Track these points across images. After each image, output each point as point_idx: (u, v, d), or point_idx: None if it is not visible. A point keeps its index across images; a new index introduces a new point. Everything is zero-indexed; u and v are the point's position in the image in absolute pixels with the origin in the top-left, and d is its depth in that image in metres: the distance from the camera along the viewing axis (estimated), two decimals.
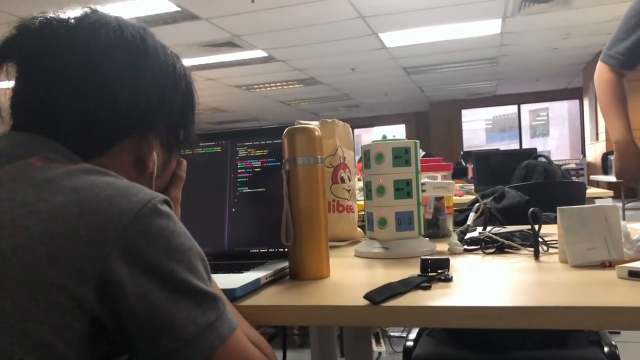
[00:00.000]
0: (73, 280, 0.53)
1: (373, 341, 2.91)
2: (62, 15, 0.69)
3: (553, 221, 1.45)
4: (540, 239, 1.02)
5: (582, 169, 9.10)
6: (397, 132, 13.23)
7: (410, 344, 1.49)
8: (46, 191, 0.57)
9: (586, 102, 9.96)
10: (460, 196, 2.81)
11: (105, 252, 0.55)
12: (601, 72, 2.01)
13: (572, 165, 9.12)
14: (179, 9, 4.64)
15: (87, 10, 0.71)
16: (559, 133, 13.32)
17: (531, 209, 1.02)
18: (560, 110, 12.98)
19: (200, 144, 1.08)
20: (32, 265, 0.53)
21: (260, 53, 6.46)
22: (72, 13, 0.70)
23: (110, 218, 0.56)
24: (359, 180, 1.80)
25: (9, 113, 0.69)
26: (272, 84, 8.61)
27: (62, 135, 0.66)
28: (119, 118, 0.69)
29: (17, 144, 0.65)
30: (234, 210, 1.04)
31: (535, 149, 3.54)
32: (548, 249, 1.04)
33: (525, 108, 12.53)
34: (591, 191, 3.02)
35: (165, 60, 0.74)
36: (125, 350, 0.59)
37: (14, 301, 0.52)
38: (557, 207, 0.96)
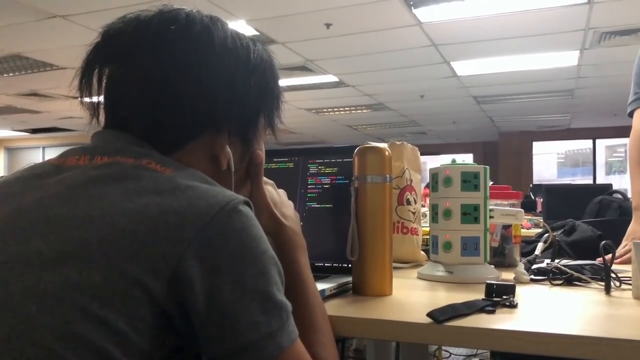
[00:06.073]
0: (149, 276, 0.56)
1: None
2: (139, 16, 0.72)
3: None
4: (612, 274, 0.99)
5: None
6: (466, 159, 12.97)
7: None
8: (133, 192, 0.60)
9: None
10: (527, 229, 2.73)
11: (181, 251, 0.57)
12: (634, 120, 1.62)
13: None
14: (257, 33, 4.80)
15: (162, 7, 0.72)
16: None
17: (603, 242, 0.99)
18: None
19: (274, 159, 1.12)
20: (114, 259, 0.56)
21: (331, 78, 6.55)
22: (149, 13, 0.72)
23: (189, 218, 0.58)
24: (423, 206, 1.79)
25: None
26: (340, 108, 8.70)
27: (136, 132, 0.69)
28: (186, 116, 0.69)
29: (108, 140, 0.70)
30: (302, 224, 1.06)
31: (610, 185, 3.40)
32: (620, 285, 1.00)
33: (602, 143, 11.99)
34: None
35: (236, 54, 0.73)
36: (193, 344, 0.61)
37: (96, 292, 0.54)
38: (633, 241, 0.93)
